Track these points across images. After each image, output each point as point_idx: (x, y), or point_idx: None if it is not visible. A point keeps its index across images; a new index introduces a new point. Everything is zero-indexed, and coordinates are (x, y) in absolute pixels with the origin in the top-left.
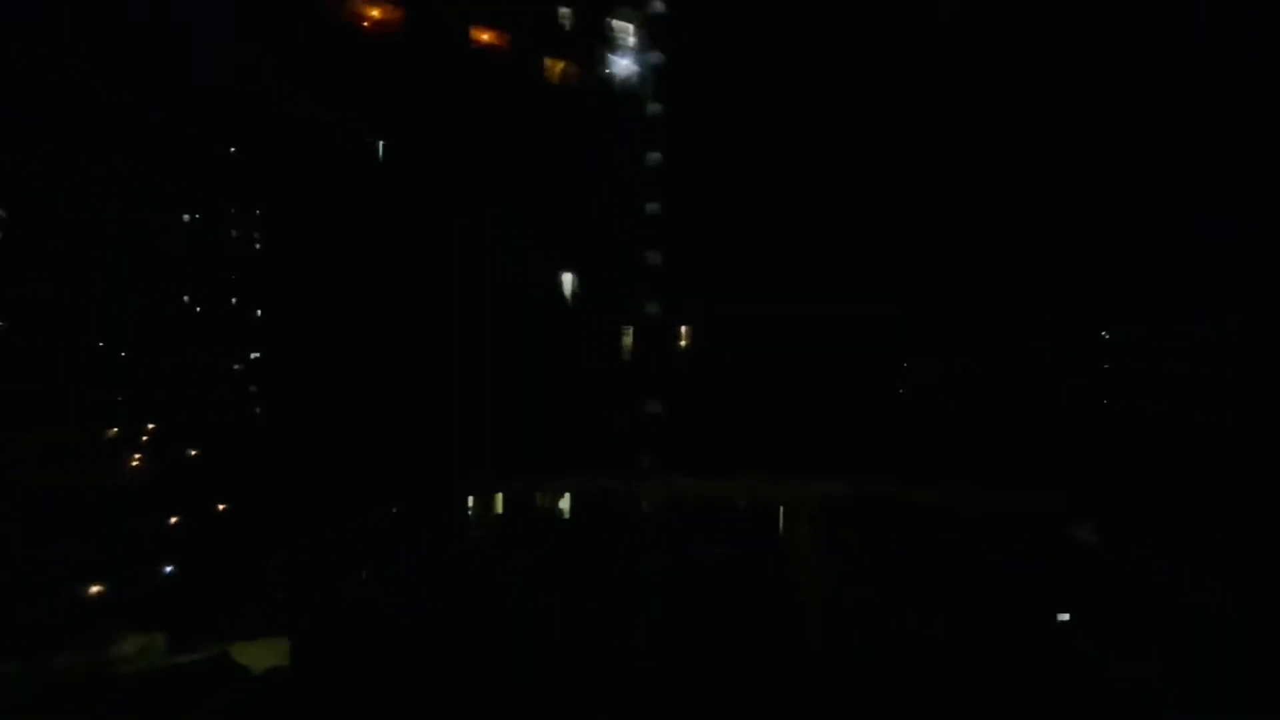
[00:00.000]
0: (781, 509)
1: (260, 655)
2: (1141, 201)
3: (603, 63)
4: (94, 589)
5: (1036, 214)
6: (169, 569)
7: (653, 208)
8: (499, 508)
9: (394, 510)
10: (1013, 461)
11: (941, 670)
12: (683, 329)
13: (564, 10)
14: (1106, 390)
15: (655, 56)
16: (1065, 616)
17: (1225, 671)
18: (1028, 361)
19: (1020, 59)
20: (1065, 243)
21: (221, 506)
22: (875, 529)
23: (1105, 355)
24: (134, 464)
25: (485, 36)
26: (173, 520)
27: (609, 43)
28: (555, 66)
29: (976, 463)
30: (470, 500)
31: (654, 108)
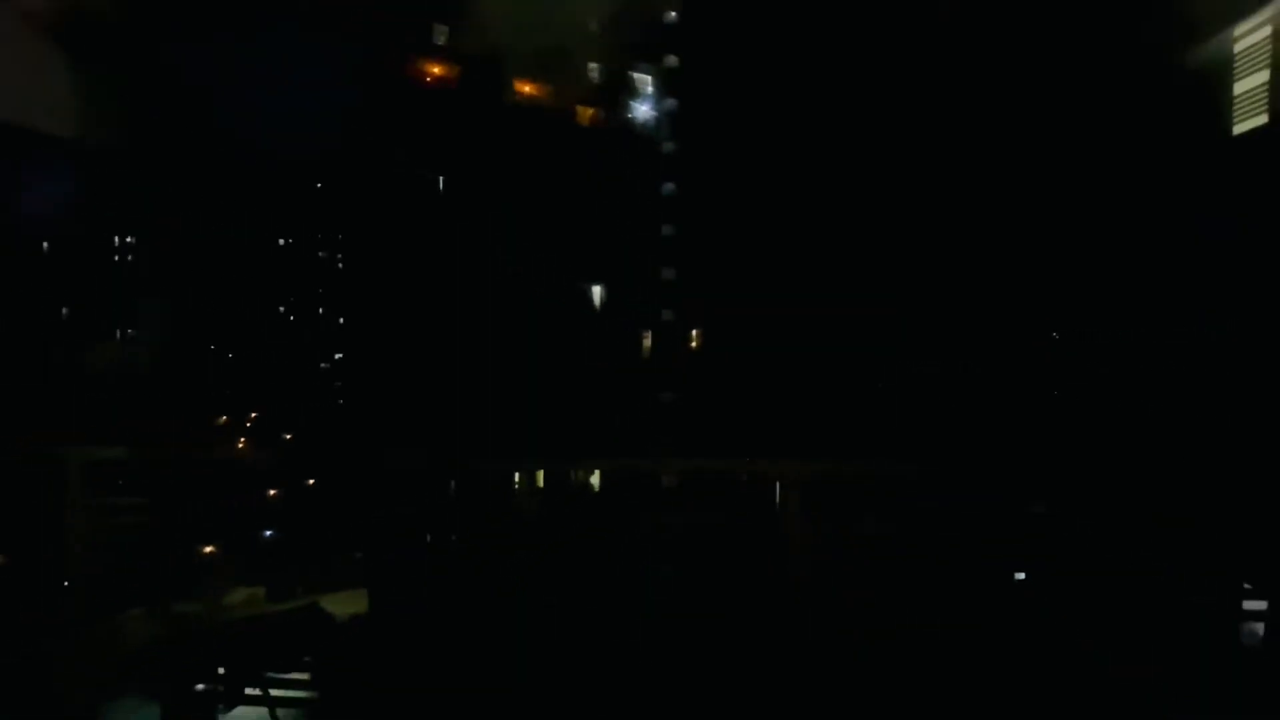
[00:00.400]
0: (777, 483)
1: (344, 604)
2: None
3: (625, 109)
4: (208, 549)
5: (1011, 213)
6: (269, 533)
7: (668, 230)
8: (540, 482)
9: (453, 483)
10: (984, 445)
11: (905, 605)
12: (693, 332)
13: (593, 66)
14: (1072, 380)
15: (669, 103)
16: (1021, 575)
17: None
18: (1002, 355)
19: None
20: (1035, 240)
21: (310, 481)
22: (855, 499)
23: (1075, 349)
24: (240, 446)
25: (528, 89)
26: (271, 493)
27: (631, 92)
28: (586, 113)
29: (951, 444)
30: (516, 475)
31: (669, 146)
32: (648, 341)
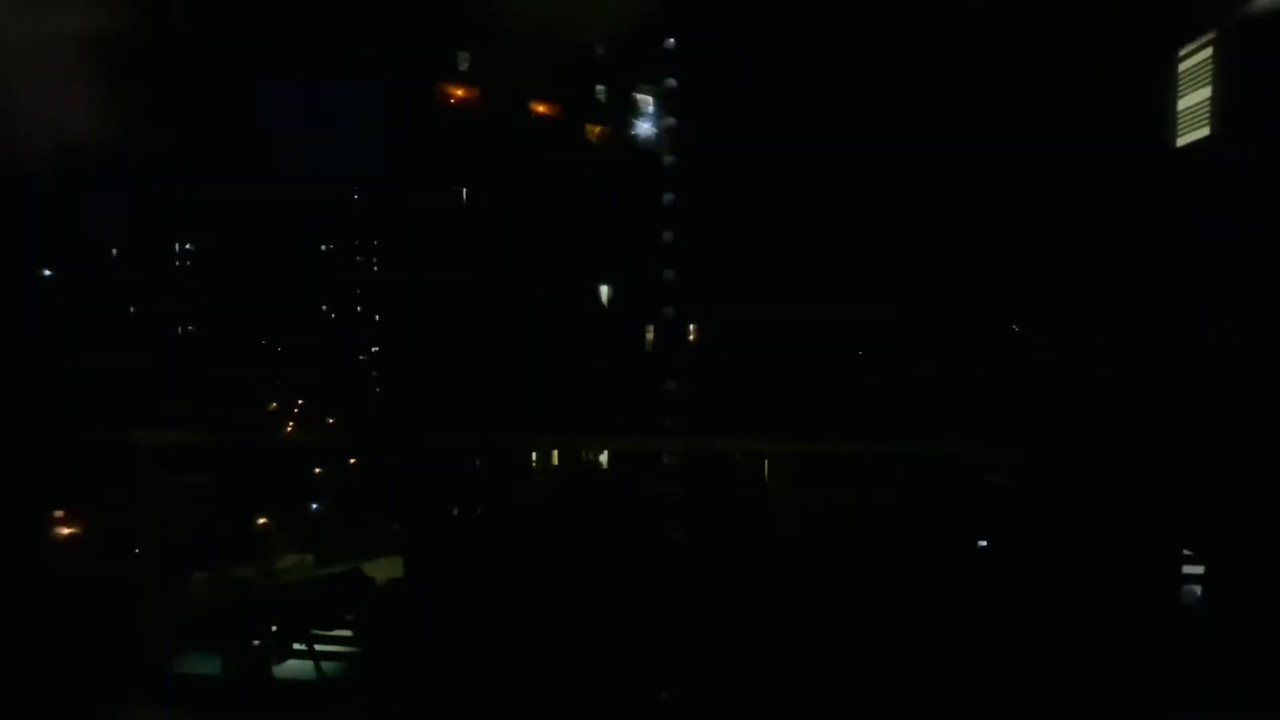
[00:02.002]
0: (766, 460)
1: (383, 569)
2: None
3: (630, 126)
4: (262, 520)
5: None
6: (315, 506)
7: (668, 236)
8: (555, 460)
9: (478, 462)
10: (953, 420)
11: (873, 559)
12: (691, 326)
13: (600, 87)
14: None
15: (670, 121)
16: (983, 543)
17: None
18: (965, 342)
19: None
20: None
21: (352, 460)
22: (837, 474)
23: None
24: (289, 429)
25: (542, 108)
26: (317, 470)
27: (634, 111)
28: (594, 130)
29: (924, 421)
30: (533, 454)
31: (669, 160)
32: (650, 335)
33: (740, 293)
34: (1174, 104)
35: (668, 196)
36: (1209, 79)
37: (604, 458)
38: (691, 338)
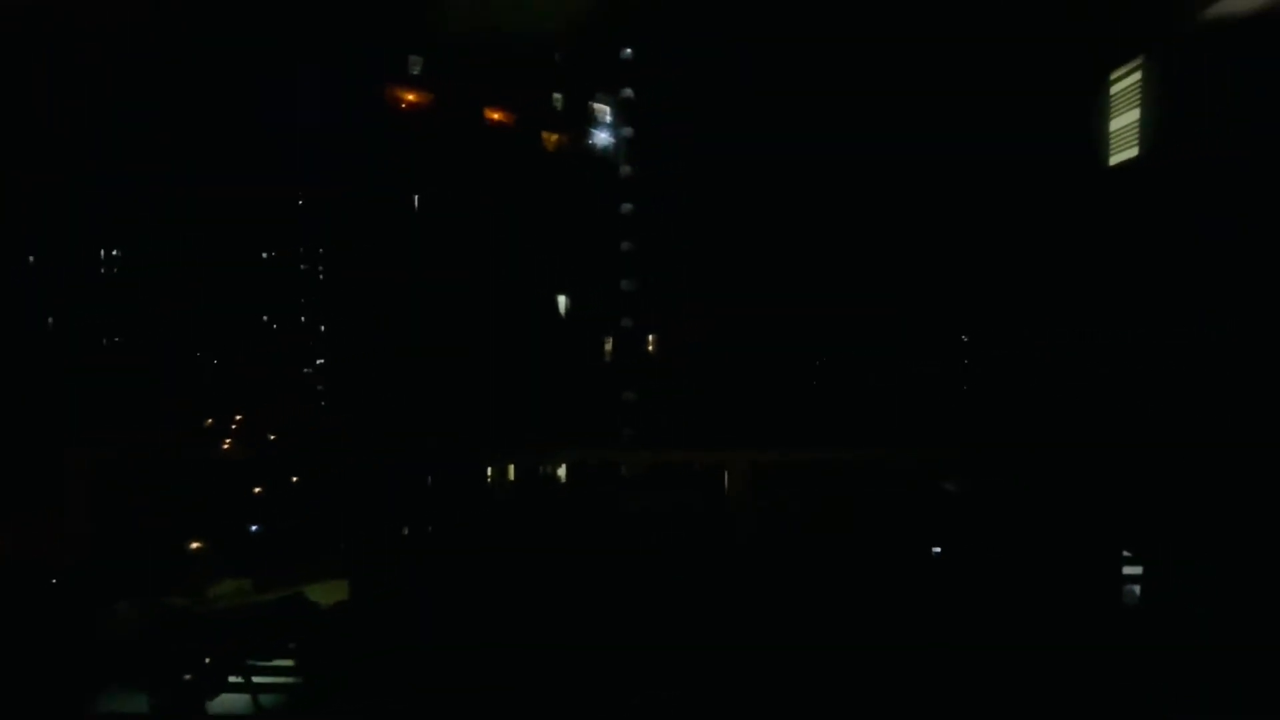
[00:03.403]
0: (726, 471)
1: (328, 594)
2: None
3: (587, 135)
4: (196, 544)
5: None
6: (255, 528)
7: (626, 245)
8: (511, 474)
9: (429, 481)
10: (912, 427)
11: (831, 563)
12: (650, 337)
13: (556, 95)
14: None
15: (627, 130)
16: (937, 550)
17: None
18: (916, 357)
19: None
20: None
21: (295, 479)
22: (797, 483)
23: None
24: (226, 447)
25: (496, 115)
26: (257, 490)
27: (591, 120)
28: (550, 138)
29: (885, 429)
30: (489, 469)
31: (626, 169)
32: (609, 346)
33: (699, 301)
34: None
35: (626, 206)
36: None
37: (562, 471)
38: (650, 348)
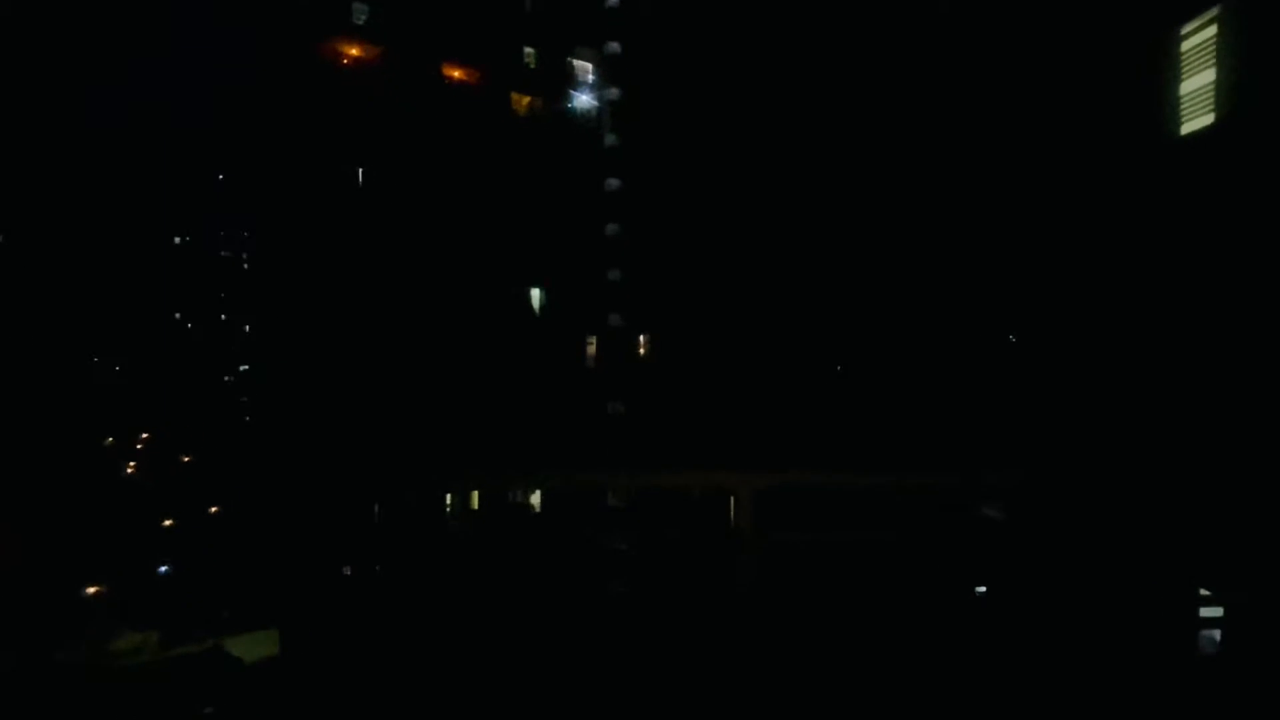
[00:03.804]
0: (732, 498)
1: (253, 647)
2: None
3: (565, 98)
4: (92, 588)
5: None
6: (163, 568)
7: (612, 229)
8: (475, 503)
9: (377, 510)
10: (936, 448)
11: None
12: (641, 338)
13: (528, 50)
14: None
15: (612, 92)
16: (981, 589)
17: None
18: (950, 361)
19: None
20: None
21: (214, 509)
22: (808, 510)
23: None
24: (129, 471)
25: (456, 73)
26: (166, 523)
27: (570, 80)
28: (521, 101)
29: (903, 450)
30: (447, 498)
31: (611, 138)
32: (592, 348)
33: (705, 296)
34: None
35: (611, 182)
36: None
37: (535, 499)
38: (641, 350)
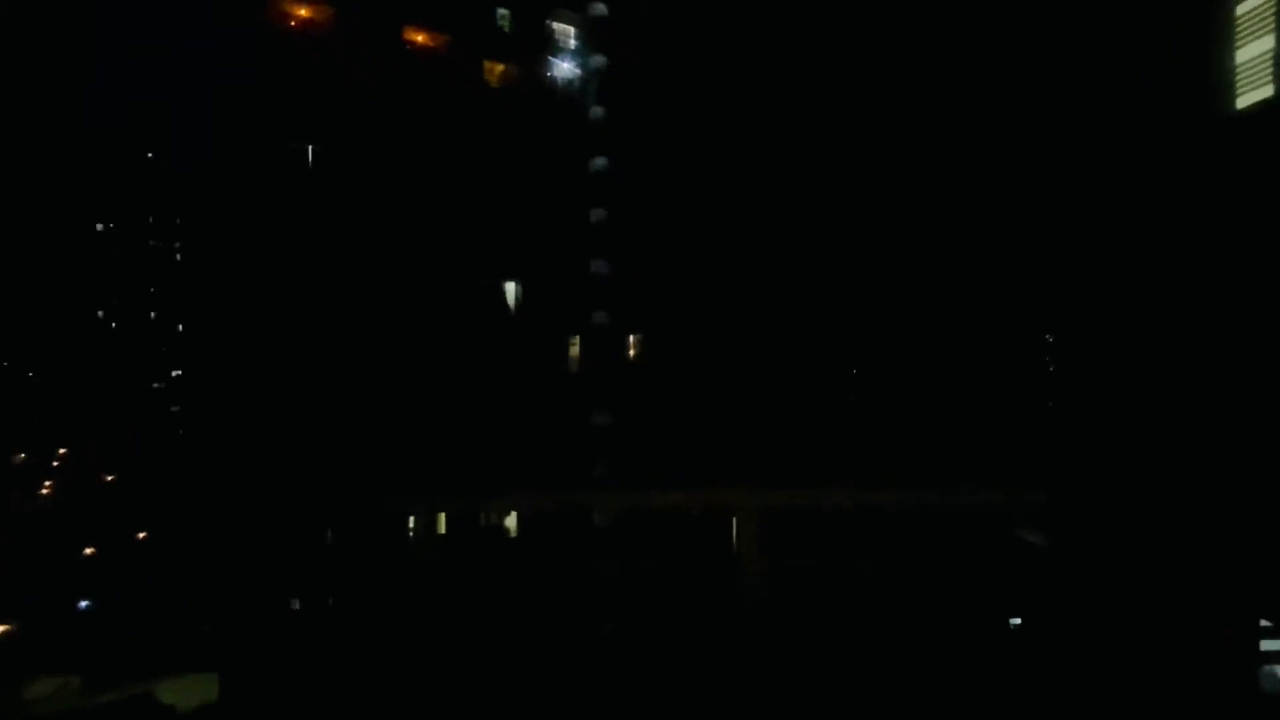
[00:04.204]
0: (734, 519)
1: (187, 693)
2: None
3: (544, 66)
4: (2, 627)
5: (981, 212)
6: (84, 604)
7: (598, 214)
8: (442, 528)
9: (329, 535)
10: (965, 461)
11: (883, 670)
12: (631, 338)
13: (502, 11)
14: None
15: (597, 60)
16: (1016, 621)
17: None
18: (975, 365)
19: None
20: (1006, 240)
21: (141, 535)
22: (825, 533)
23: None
24: (44, 492)
25: (420, 38)
26: (88, 551)
27: (550, 45)
28: (494, 69)
29: (927, 464)
30: (411, 521)
31: (597, 111)
32: (575, 350)
33: (702, 291)
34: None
35: (597, 162)
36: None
37: (511, 522)
38: (631, 352)
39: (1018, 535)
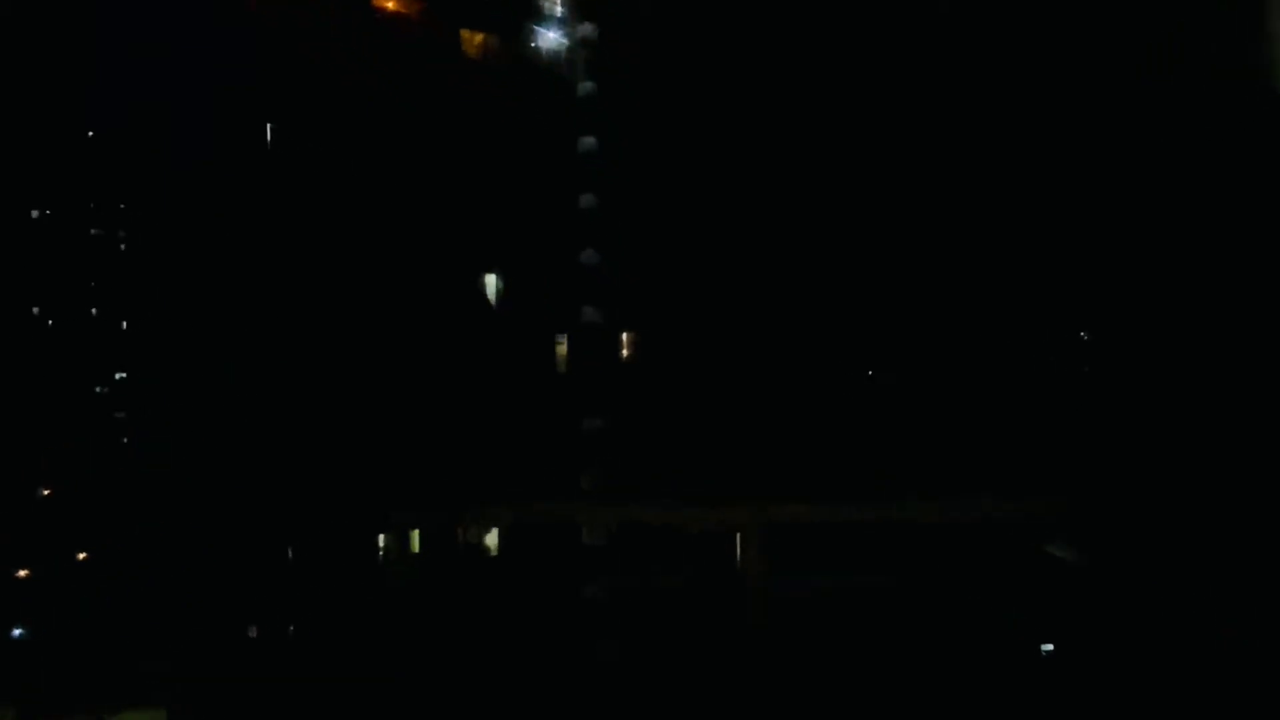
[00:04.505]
0: (739, 536)
1: None
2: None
3: (528, 35)
4: None
5: (997, 208)
6: (18, 631)
7: (588, 200)
8: (416, 546)
9: (292, 554)
10: (986, 468)
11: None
12: (625, 336)
13: None
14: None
15: (586, 29)
16: (1048, 647)
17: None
18: (1000, 362)
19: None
20: (1030, 235)
21: (82, 555)
22: (831, 545)
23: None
24: None
25: (391, 4)
26: (21, 574)
27: (534, 13)
28: (473, 39)
29: (948, 472)
30: (381, 539)
31: (586, 86)
32: (562, 350)
33: (700, 285)
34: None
35: (586, 142)
36: None
37: (492, 539)
38: (625, 352)
39: (1046, 550)
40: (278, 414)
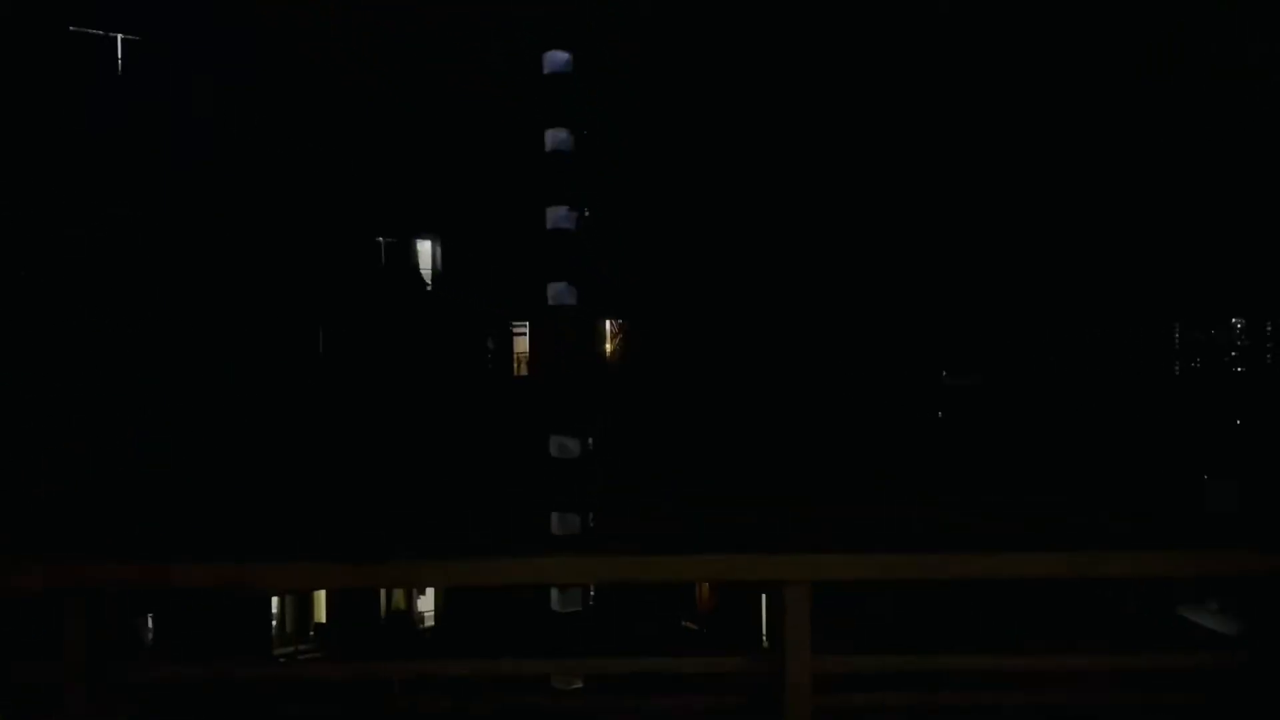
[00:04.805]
0: (764, 598)
1: None
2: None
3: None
4: None
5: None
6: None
7: (559, 138)
8: (320, 614)
9: (148, 619)
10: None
11: None
12: (607, 325)
13: None
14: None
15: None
16: None
17: None
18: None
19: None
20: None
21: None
22: (907, 618)
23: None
24: None
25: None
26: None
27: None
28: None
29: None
30: (273, 601)
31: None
32: (523, 343)
33: (707, 261)
34: None
35: (557, 58)
36: None
37: (427, 603)
38: (606, 346)
39: (1183, 615)
40: (134, 430)
